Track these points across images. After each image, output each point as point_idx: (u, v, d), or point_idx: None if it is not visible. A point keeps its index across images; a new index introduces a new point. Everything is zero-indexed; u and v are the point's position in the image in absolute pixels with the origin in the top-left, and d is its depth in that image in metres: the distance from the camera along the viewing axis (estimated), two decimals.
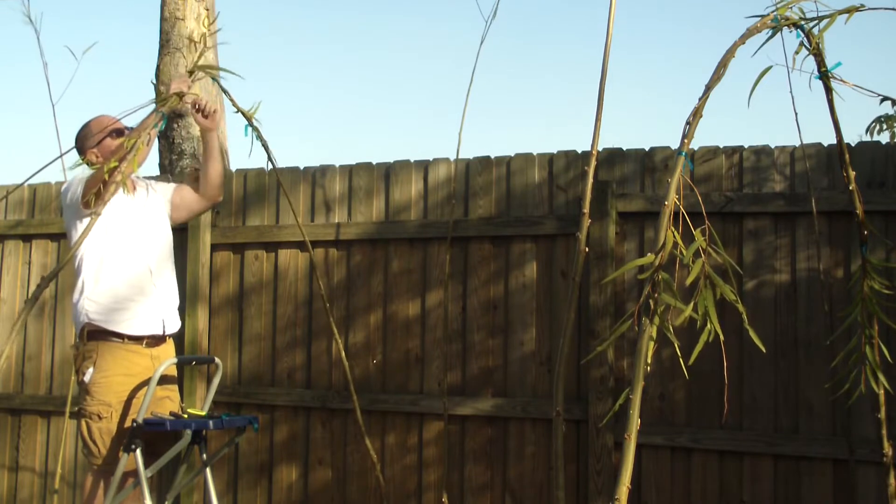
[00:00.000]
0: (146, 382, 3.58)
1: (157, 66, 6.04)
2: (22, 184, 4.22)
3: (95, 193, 3.36)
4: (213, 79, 3.89)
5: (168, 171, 5.88)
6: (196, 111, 3.73)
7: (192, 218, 4.03)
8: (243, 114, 3.67)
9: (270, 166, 3.85)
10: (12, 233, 5.31)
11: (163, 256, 3.78)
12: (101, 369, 3.56)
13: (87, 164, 3.77)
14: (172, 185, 3.93)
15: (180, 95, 3.56)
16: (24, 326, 5.19)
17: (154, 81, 5.99)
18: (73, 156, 3.80)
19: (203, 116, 3.72)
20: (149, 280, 3.69)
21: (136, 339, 3.62)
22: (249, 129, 3.68)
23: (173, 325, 3.78)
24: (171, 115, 5.86)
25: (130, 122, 3.77)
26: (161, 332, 3.70)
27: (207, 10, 6.14)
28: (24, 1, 4.02)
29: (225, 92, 3.80)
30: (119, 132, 3.71)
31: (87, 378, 3.56)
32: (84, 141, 3.77)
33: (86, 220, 3.53)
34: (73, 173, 3.79)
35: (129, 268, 3.66)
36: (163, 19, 6.07)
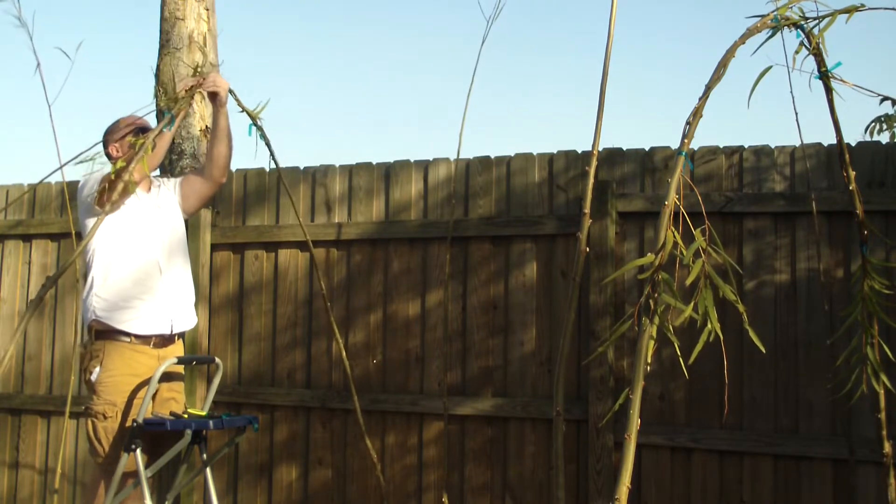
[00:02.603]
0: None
1: (157, 67, 6.03)
2: (20, 197, 4.22)
3: (108, 193, 3.37)
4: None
5: (168, 170, 5.88)
6: (204, 91, 3.74)
7: (203, 204, 4.00)
8: (248, 113, 3.67)
9: (272, 166, 3.85)
10: (12, 233, 5.31)
11: (174, 254, 3.77)
12: (107, 369, 3.56)
13: (108, 157, 3.78)
14: (179, 178, 3.93)
15: (188, 101, 3.57)
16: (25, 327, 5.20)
17: (154, 82, 5.98)
18: (66, 150, 3.81)
19: (210, 97, 3.73)
20: (158, 278, 3.68)
21: (144, 339, 3.62)
22: (253, 128, 3.68)
23: (183, 323, 3.76)
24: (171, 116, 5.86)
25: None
26: (169, 332, 3.69)
27: (208, 9, 6.14)
28: (15, 2, 4.01)
29: (231, 92, 3.80)
30: (143, 130, 3.72)
31: (93, 377, 3.57)
32: (109, 135, 3.79)
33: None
34: (82, 168, 3.80)
35: (139, 266, 3.65)
36: (163, 19, 6.07)
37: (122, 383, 3.57)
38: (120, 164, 3.23)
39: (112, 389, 3.56)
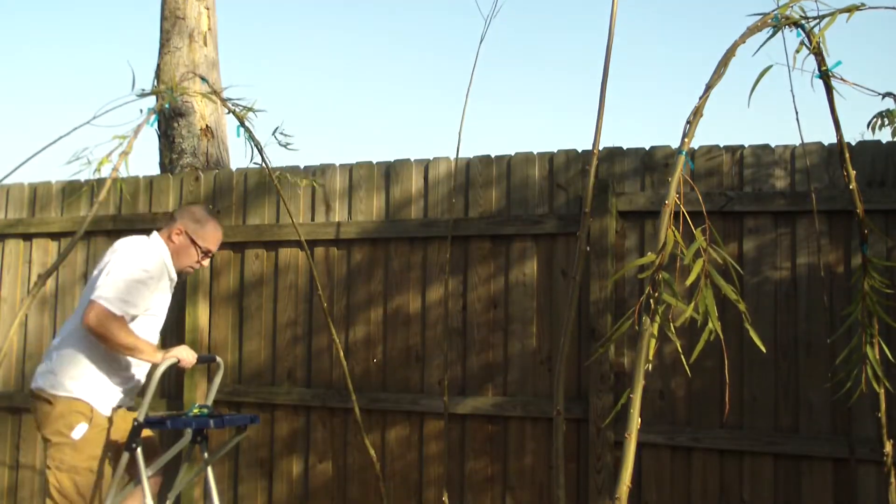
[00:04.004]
0: None
1: (158, 65, 6.03)
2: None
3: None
4: (203, 78, 3.92)
5: (168, 170, 5.88)
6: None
7: None
8: (235, 115, 3.68)
9: (272, 164, 3.86)
10: (12, 232, 5.31)
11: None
12: (96, 424, 3.53)
13: (158, 230, 3.69)
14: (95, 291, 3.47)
15: None
16: (25, 324, 5.20)
17: (154, 81, 5.98)
18: (66, 150, 3.79)
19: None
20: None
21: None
22: (241, 129, 3.69)
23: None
24: (171, 115, 5.87)
25: (118, 114, 3.75)
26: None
27: (208, 8, 6.14)
28: None
29: (216, 93, 3.80)
30: (207, 253, 3.71)
31: (76, 434, 3.49)
32: (188, 219, 3.67)
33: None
34: (69, 168, 3.78)
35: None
36: (163, 18, 6.07)
37: (104, 437, 3.53)
38: (105, 160, 3.22)
39: (96, 444, 3.50)
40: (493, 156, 4.37)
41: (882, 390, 3.09)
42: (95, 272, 3.57)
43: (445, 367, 4.22)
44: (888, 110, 3.74)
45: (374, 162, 4.60)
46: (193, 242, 3.66)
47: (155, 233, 3.70)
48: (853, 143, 3.76)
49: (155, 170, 6.10)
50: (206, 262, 3.78)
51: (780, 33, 2.75)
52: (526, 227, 4.22)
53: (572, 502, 4.03)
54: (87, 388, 3.50)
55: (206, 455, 3.76)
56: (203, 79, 4.06)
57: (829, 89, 2.89)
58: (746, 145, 3.95)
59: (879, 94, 3.12)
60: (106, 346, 3.45)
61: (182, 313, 4.82)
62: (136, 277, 3.49)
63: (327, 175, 4.66)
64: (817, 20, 2.76)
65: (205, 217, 3.71)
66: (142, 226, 4.97)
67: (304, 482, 4.58)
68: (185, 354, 3.56)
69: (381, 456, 4.37)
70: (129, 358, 3.55)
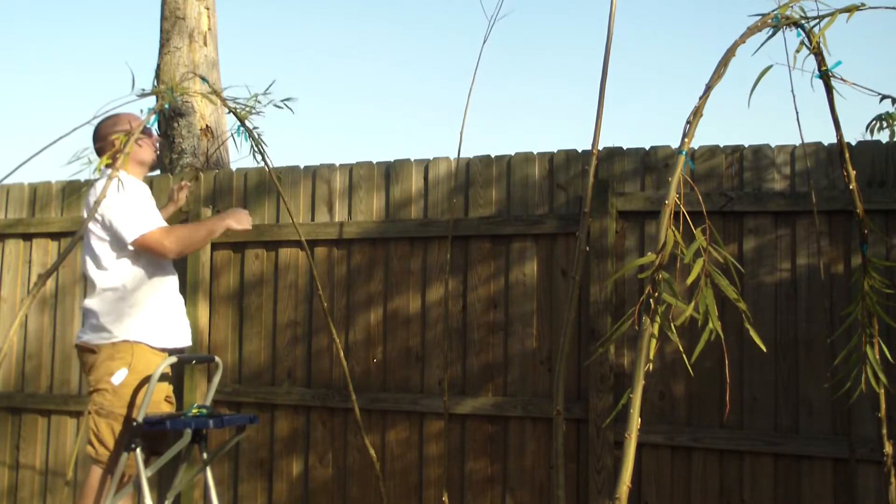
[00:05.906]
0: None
1: (158, 65, 6.04)
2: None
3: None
4: (203, 78, 3.91)
5: (168, 170, 5.88)
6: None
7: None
8: (235, 114, 3.67)
9: (272, 164, 3.85)
10: (12, 232, 5.31)
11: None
12: (135, 371, 3.62)
13: (98, 152, 3.76)
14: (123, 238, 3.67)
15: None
16: (25, 324, 5.19)
17: (154, 81, 5.99)
18: (66, 150, 3.81)
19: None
20: (177, 293, 3.95)
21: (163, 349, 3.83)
22: (242, 129, 3.68)
23: (185, 339, 3.87)
24: (171, 115, 5.87)
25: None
26: (180, 346, 3.83)
27: (208, 8, 6.14)
28: None
29: (217, 93, 3.80)
30: (148, 133, 3.84)
31: (115, 380, 3.59)
32: (108, 129, 3.78)
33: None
34: (77, 166, 3.79)
35: (166, 279, 3.88)
36: (163, 18, 6.08)
37: (142, 386, 3.62)
38: (106, 160, 3.28)
39: (134, 392, 3.60)
40: (493, 156, 4.37)
41: (882, 390, 3.09)
42: (92, 225, 3.65)
43: (445, 368, 4.22)
44: (887, 113, 3.74)
45: (374, 162, 4.60)
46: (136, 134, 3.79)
47: (106, 170, 3.72)
48: (853, 143, 3.76)
49: (155, 170, 6.10)
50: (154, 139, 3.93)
51: (780, 33, 2.75)
52: (526, 227, 4.22)
53: (572, 502, 4.03)
54: (130, 328, 3.62)
55: (205, 455, 3.76)
56: (203, 79, 4.06)
57: (829, 89, 2.89)
58: (746, 146, 3.95)
59: (879, 94, 3.12)
60: (194, 248, 3.81)
61: None
62: (131, 200, 3.64)
63: (328, 175, 4.66)
64: (817, 20, 2.76)
65: (112, 119, 3.79)
66: None
67: (304, 482, 4.58)
68: (240, 219, 3.81)
69: (381, 456, 4.37)
70: (165, 291, 3.73)
